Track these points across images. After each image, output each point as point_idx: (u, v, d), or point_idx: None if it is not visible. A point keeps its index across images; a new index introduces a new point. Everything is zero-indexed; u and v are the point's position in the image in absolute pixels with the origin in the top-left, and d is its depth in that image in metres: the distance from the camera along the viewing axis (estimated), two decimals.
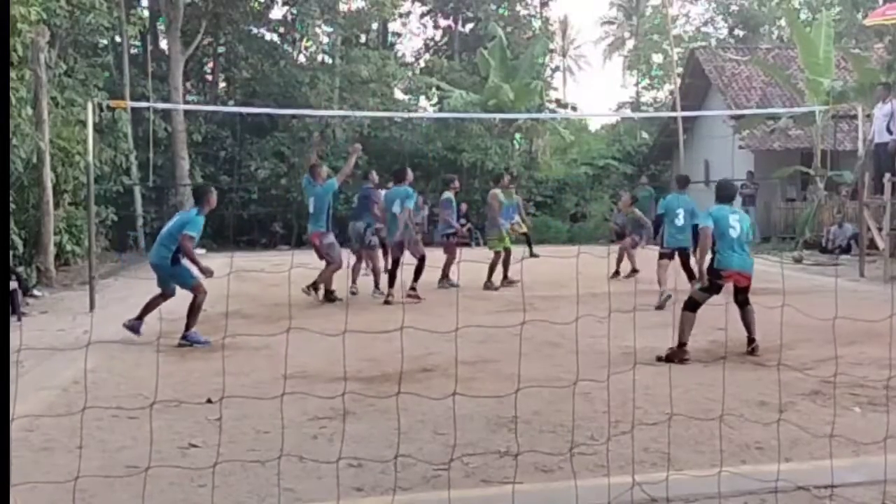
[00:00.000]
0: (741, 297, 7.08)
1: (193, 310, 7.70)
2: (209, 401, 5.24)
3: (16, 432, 3.88)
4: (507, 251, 12.39)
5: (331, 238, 10.59)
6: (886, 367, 6.10)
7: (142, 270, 16.13)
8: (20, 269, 11.33)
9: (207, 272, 7.55)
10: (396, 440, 4.40)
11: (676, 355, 6.56)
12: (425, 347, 6.64)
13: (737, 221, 7.15)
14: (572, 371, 6.06)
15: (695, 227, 10.94)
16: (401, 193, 10.97)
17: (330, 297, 10.58)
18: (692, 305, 6.89)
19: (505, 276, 12.37)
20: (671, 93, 33.01)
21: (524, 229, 18.05)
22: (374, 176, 15.69)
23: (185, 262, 7.81)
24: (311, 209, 10.71)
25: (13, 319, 8.76)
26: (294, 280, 12.25)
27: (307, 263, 13.72)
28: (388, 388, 5.75)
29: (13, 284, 9.45)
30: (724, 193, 7.47)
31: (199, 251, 22.14)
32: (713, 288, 6.95)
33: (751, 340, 6.94)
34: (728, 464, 3.99)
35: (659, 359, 6.53)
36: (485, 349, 7.00)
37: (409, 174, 11.48)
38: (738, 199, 20.90)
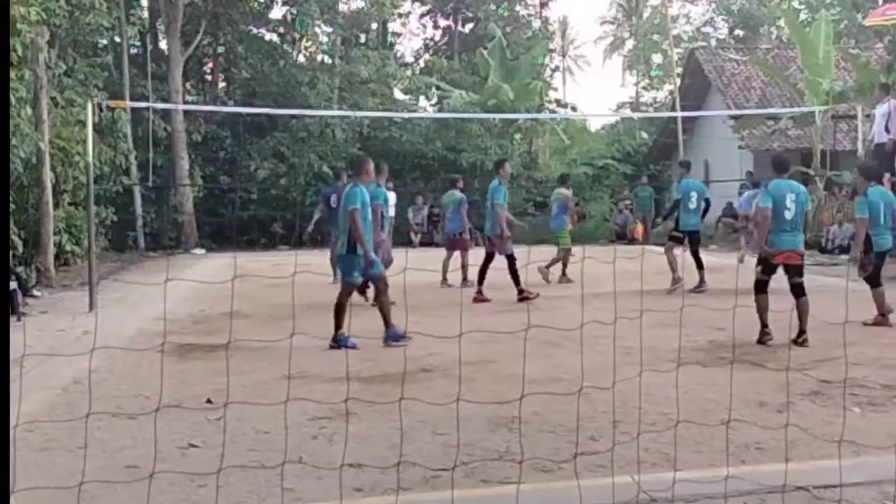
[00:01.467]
0: (795, 282, 7.25)
1: (383, 309, 7.30)
2: (209, 401, 5.25)
3: (16, 432, 3.88)
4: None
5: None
6: (886, 368, 6.12)
7: (142, 270, 16.15)
8: (20, 269, 11.32)
9: (369, 257, 7.26)
10: (397, 440, 4.41)
11: (761, 337, 7.16)
12: (425, 348, 6.65)
13: (793, 202, 7.20)
14: (573, 372, 6.08)
15: (706, 203, 11.34)
16: (492, 187, 10.82)
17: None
18: (760, 288, 7.25)
19: (563, 273, 12.70)
20: (671, 93, 33.01)
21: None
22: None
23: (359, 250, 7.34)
24: None
25: (13, 319, 8.76)
26: (297, 282, 12.27)
27: (308, 264, 13.82)
28: (388, 388, 5.76)
29: (13, 284, 9.44)
30: (780, 166, 7.55)
31: (199, 251, 22.22)
32: (768, 268, 7.29)
33: (801, 332, 7.11)
34: (728, 464, 4.00)
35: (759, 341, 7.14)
36: (485, 349, 7.00)
37: (507, 168, 11.35)
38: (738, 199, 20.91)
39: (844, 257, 16.07)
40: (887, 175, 12.23)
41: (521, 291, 10.26)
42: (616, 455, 4.03)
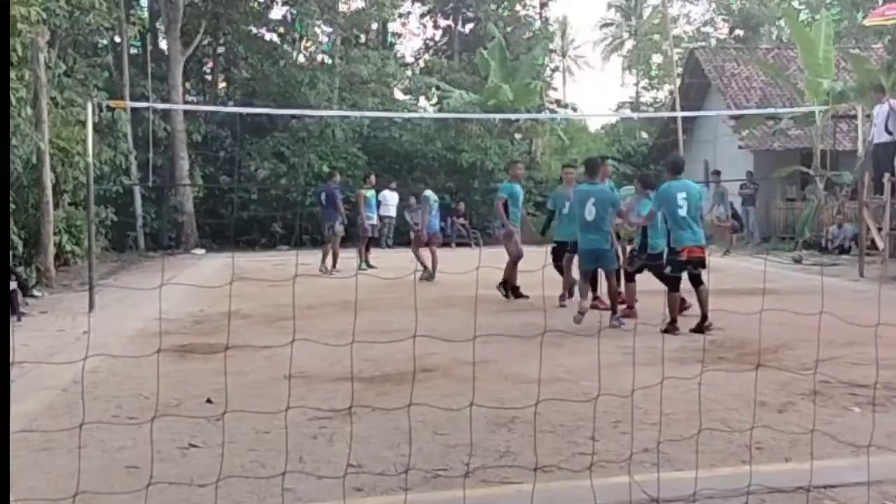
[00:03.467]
0: (693, 272, 7.70)
1: (614, 294, 8.25)
2: (209, 401, 5.25)
3: (16, 432, 3.87)
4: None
5: (508, 231, 10.76)
6: (886, 368, 6.11)
7: (141, 271, 16.15)
8: (20, 269, 11.32)
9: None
10: (397, 441, 4.41)
11: (670, 330, 7.44)
12: (425, 348, 6.62)
13: (685, 200, 7.61)
14: (572, 371, 6.09)
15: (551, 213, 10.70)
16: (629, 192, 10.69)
17: (516, 293, 10.37)
18: (674, 286, 7.73)
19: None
20: (671, 93, 33.01)
21: None
22: (373, 179, 16.33)
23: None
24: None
25: (13, 319, 8.76)
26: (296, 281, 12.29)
27: (308, 264, 13.85)
28: (388, 388, 5.76)
29: (13, 284, 9.44)
30: (675, 167, 8.05)
31: (199, 251, 22.21)
32: (676, 266, 7.68)
33: (704, 317, 7.62)
34: (728, 464, 4.00)
35: (664, 331, 7.29)
36: (485, 349, 6.98)
37: (606, 167, 10.71)
38: (738, 199, 20.91)
39: (845, 257, 16.09)
40: (887, 175, 12.24)
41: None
42: (616, 454, 4.03)
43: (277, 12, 27.57)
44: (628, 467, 3.81)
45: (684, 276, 7.90)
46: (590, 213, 8.13)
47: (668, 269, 7.74)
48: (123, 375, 6.27)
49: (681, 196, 7.63)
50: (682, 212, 7.60)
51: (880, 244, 12.63)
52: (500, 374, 6.15)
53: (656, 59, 45.80)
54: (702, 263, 7.63)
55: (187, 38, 23.46)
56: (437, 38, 34.82)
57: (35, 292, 11.12)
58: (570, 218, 9.36)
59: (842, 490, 3.62)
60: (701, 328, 7.58)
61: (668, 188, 7.77)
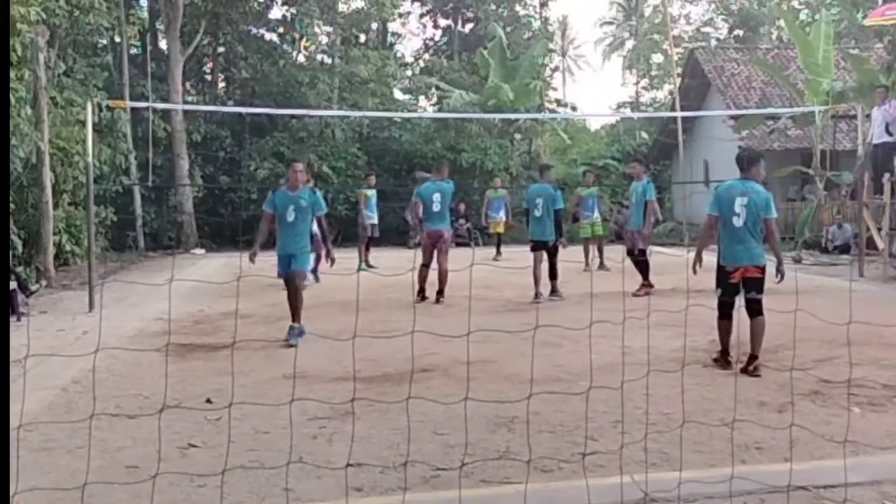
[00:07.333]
0: (750, 297, 6.19)
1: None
2: (209, 401, 5.25)
3: (16, 432, 3.87)
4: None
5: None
6: (886, 368, 6.12)
7: (141, 270, 16.14)
8: (20, 269, 11.32)
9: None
10: (396, 440, 4.41)
11: (719, 362, 6.44)
12: (424, 348, 6.63)
13: (743, 206, 6.14)
14: (571, 371, 6.10)
15: (556, 213, 10.19)
16: (644, 186, 10.87)
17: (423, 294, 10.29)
18: (723, 311, 6.34)
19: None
20: (671, 93, 33.02)
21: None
22: (373, 179, 16.31)
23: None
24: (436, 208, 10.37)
25: (13, 319, 8.76)
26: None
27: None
28: (387, 388, 5.76)
29: (13, 284, 9.44)
30: (747, 162, 6.39)
31: (199, 251, 22.20)
32: (727, 288, 6.26)
33: (752, 357, 6.19)
34: (727, 464, 4.00)
35: (715, 360, 6.48)
36: (484, 349, 7.00)
37: (637, 167, 11.51)
38: None
39: (845, 257, 16.09)
40: (887, 175, 12.25)
41: (645, 285, 10.54)
42: (616, 455, 4.03)
43: (277, 12, 27.58)
44: (626, 467, 3.82)
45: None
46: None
47: (717, 292, 6.34)
48: (123, 375, 6.28)
49: (740, 202, 6.13)
50: (738, 221, 6.13)
51: (880, 244, 12.63)
52: (499, 374, 6.15)
53: (656, 58, 45.81)
54: (759, 286, 6.16)
55: (187, 38, 23.45)
56: (436, 38, 34.82)
57: (32, 287, 11.10)
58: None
59: (840, 490, 3.62)
60: (749, 369, 6.13)
61: (727, 189, 6.31)
